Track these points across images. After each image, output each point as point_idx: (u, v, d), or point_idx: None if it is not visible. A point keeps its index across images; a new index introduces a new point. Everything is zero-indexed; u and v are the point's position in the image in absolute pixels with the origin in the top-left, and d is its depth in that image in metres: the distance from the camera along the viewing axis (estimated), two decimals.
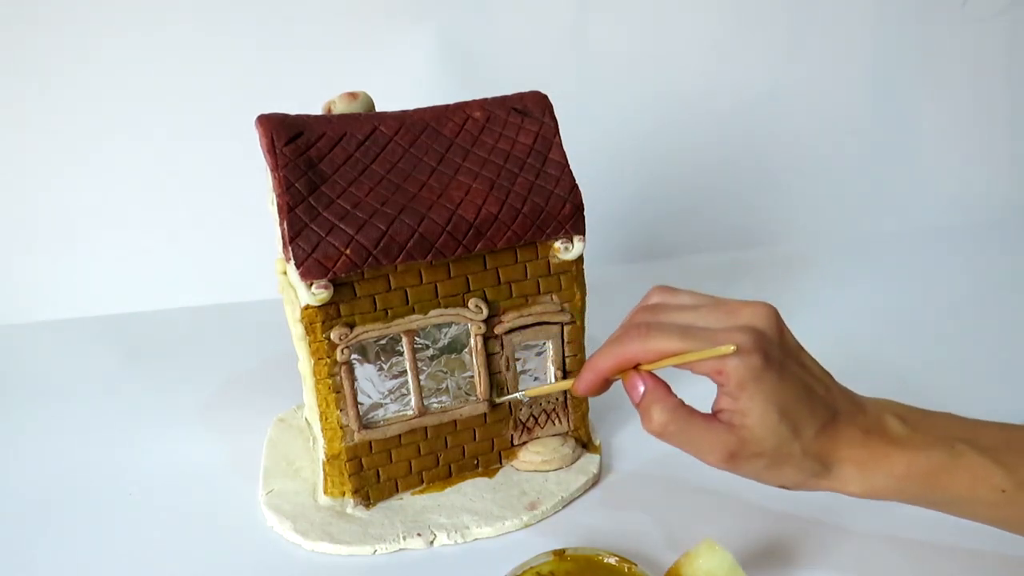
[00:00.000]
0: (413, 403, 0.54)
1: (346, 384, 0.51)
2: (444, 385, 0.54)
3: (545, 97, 0.56)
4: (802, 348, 0.44)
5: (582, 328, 0.57)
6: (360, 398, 0.52)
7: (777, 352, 0.42)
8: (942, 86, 0.99)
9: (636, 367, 0.44)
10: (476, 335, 0.53)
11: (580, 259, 0.55)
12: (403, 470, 0.55)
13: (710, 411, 0.44)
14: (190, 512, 0.56)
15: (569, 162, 0.54)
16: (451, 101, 0.56)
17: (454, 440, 0.56)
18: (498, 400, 0.55)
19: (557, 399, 0.58)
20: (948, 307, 0.82)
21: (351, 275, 0.49)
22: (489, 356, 0.54)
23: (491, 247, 0.51)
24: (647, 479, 0.57)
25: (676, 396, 0.44)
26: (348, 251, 0.48)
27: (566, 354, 0.56)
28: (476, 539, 0.52)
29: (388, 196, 0.50)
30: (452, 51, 0.88)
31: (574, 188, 0.53)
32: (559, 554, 0.46)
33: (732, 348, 0.41)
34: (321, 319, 0.49)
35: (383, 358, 0.52)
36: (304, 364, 0.56)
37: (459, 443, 0.56)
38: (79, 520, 0.56)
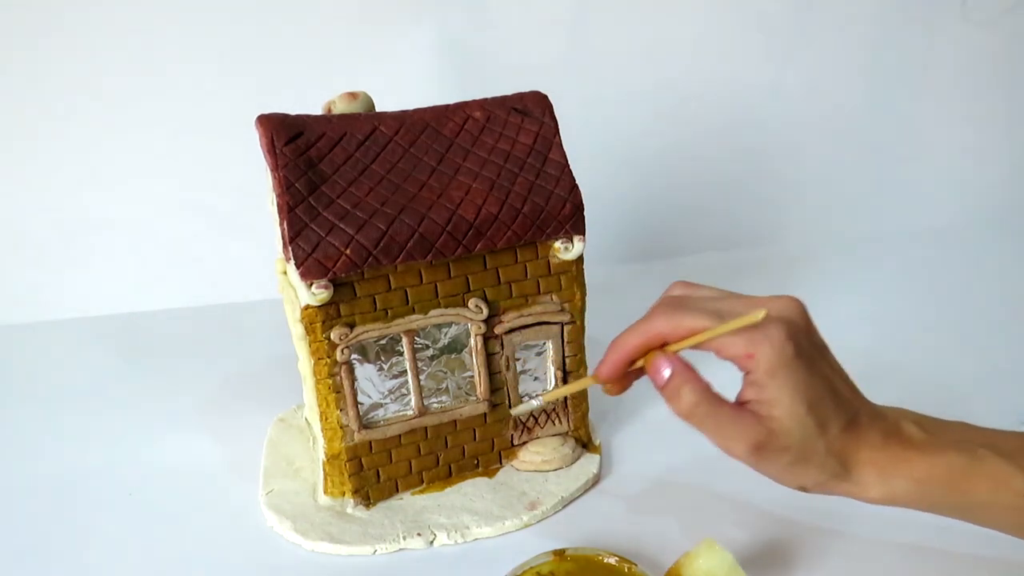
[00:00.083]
0: (413, 403, 0.54)
1: (346, 384, 0.51)
2: (444, 385, 0.54)
3: (545, 97, 0.56)
4: (827, 346, 0.43)
5: (582, 328, 0.57)
6: (360, 398, 0.52)
7: (807, 344, 0.41)
8: (942, 86, 0.99)
9: (662, 348, 0.43)
10: (476, 335, 0.53)
11: (580, 259, 0.54)
12: (403, 470, 0.55)
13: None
14: (190, 512, 0.56)
15: (569, 162, 0.54)
16: (451, 101, 0.56)
17: (454, 440, 0.56)
18: (514, 412, 0.55)
19: (557, 399, 0.58)
20: (948, 307, 0.82)
21: (351, 275, 0.49)
22: (489, 356, 0.54)
23: (491, 247, 0.51)
24: (647, 479, 0.57)
25: (705, 379, 0.42)
26: (348, 251, 0.48)
27: (566, 354, 0.56)
28: (476, 539, 0.52)
29: (388, 196, 0.50)
30: (452, 51, 0.88)
31: (574, 188, 0.53)
32: (559, 554, 0.46)
33: (763, 313, 0.39)
34: (321, 319, 0.49)
35: (383, 358, 0.52)
36: (304, 364, 0.56)
37: (459, 443, 0.56)
38: (79, 520, 0.56)
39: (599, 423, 0.63)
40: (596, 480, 0.57)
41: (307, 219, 0.48)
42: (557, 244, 0.53)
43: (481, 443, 0.57)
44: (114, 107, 0.84)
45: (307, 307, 0.49)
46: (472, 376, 0.55)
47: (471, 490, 0.56)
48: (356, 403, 0.52)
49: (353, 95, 0.55)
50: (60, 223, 0.87)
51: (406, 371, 0.53)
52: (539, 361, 0.57)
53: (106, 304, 0.88)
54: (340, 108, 0.54)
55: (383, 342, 0.52)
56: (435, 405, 0.54)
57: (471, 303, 0.52)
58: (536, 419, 0.58)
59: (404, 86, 0.85)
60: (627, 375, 0.45)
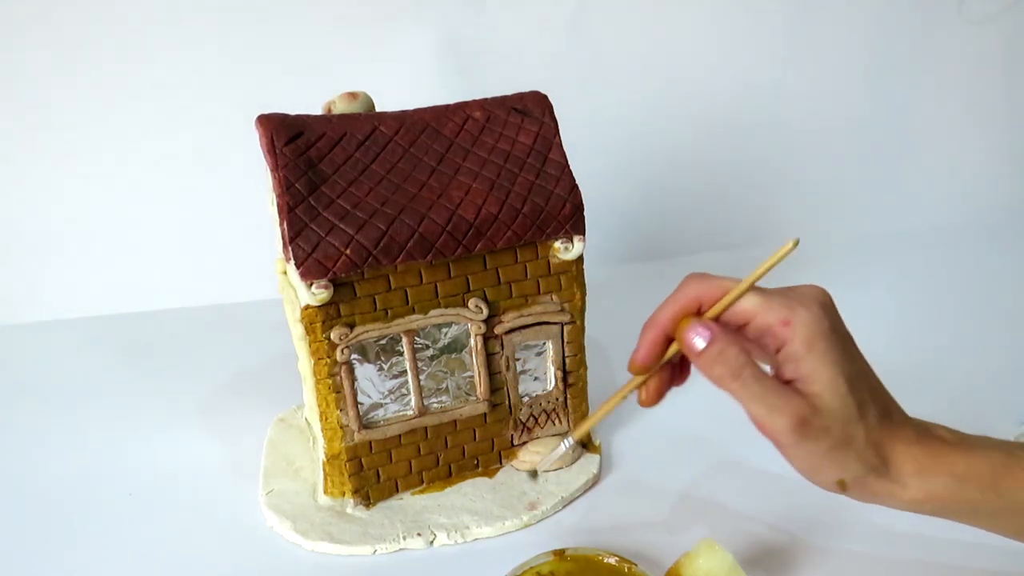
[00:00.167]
0: (413, 403, 0.54)
1: (346, 384, 0.51)
2: (444, 385, 0.54)
3: (545, 97, 0.56)
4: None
5: (582, 328, 0.57)
6: (360, 398, 0.52)
7: (839, 324, 0.39)
8: (942, 86, 0.99)
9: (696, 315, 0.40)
10: (476, 335, 0.53)
11: (580, 259, 0.54)
12: (403, 470, 0.55)
13: None
14: (190, 512, 0.56)
15: (569, 162, 0.54)
16: (451, 101, 0.56)
17: (454, 440, 0.56)
18: (542, 468, 0.50)
19: (557, 399, 0.58)
20: (948, 307, 0.82)
21: (351, 275, 0.49)
22: (489, 356, 0.54)
23: (491, 247, 0.51)
24: (647, 479, 0.57)
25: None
26: (348, 251, 0.48)
27: (566, 354, 0.56)
28: (476, 539, 0.52)
29: (388, 196, 0.50)
30: (452, 51, 0.88)
31: (574, 188, 0.53)
32: (559, 554, 0.46)
33: (795, 240, 0.38)
34: (321, 319, 0.49)
35: (383, 358, 0.52)
36: (304, 364, 0.56)
37: (459, 443, 0.56)
38: (79, 520, 0.56)
39: (599, 423, 0.62)
40: (596, 480, 0.57)
41: (307, 219, 0.48)
42: (557, 244, 0.53)
43: (481, 443, 0.57)
44: (114, 107, 0.84)
45: (307, 307, 0.49)
46: (472, 376, 0.55)
47: (471, 490, 0.56)
48: (356, 403, 0.52)
49: (353, 95, 0.55)
50: (60, 223, 0.87)
51: (406, 371, 0.53)
52: (539, 361, 0.57)
53: (106, 304, 0.88)
54: (340, 108, 0.54)
55: (383, 342, 0.52)
56: (435, 405, 0.54)
57: (471, 303, 0.52)
58: (536, 419, 0.58)
59: (404, 86, 0.85)
60: (663, 375, 0.42)
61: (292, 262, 0.48)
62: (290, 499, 0.55)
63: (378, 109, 0.55)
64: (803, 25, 0.94)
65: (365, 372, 0.52)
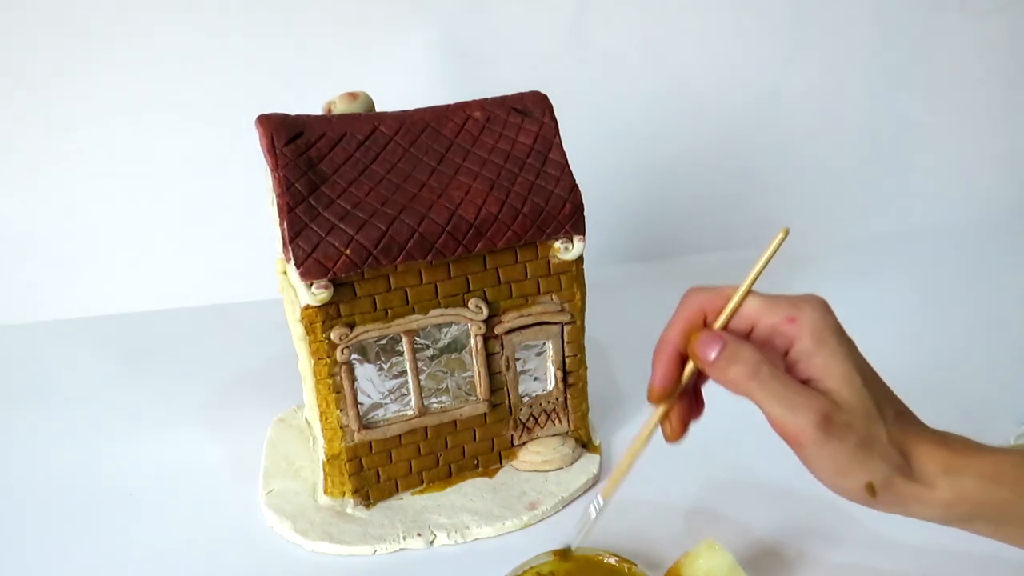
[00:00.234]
0: (413, 403, 0.54)
1: (346, 384, 0.51)
2: (444, 385, 0.54)
3: (545, 97, 0.56)
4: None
5: (582, 328, 0.57)
6: (360, 398, 0.52)
7: (843, 329, 0.39)
8: (942, 86, 0.99)
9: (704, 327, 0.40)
10: (476, 335, 0.53)
11: (580, 259, 0.54)
12: (403, 470, 0.55)
13: None
14: (190, 512, 0.56)
15: (569, 162, 0.54)
16: (451, 101, 0.56)
17: (454, 440, 0.56)
18: (576, 543, 0.46)
19: (557, 399, 0.58)
20: (949, 306, 0.82)
21: (351, 275, 0.49)
22: (489, 356, 0.54)
23: (491, 247, 0.51)
24: (647, 479, 0.57)
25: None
26: (348, 251, 0.48)
27: (566, 354, 0.56)
28: (476, 539, 0.52)
29: (388, 196, 0.50)
30: (452, 51, 0.88)
31: (574, 188, 0.53)
32: (559, 554, 0.46)
33: (787, 229, 0.38)
34: (321, 319, 0.49)
35: (383, 358, 0.52)
36: (304, 364, 0.56)
37: (459, 443, 0.56)
38: (79, 520, 0.56)
39: (599, 423, 0.63)
40: (596, 480, 0.57)
41: (307, 219, 0.48)
42: (557, 244, 0.53)
43: (481, 443, 0.57)
44: (114, 107, 0.84)
45: (307, 307, 0.49)
46: (472, 376, 0.54)
47: (471, 490, 0.56)
48: (356, 403, 0.52)
49: (353, 95, 0.55)
50: (60, 223, 0.87)
51: (406, 371, 0.53)
52: (539, 361, 0.57)
53: (106, 304, 0.88)
54: (340, 108, 0.54)
55: (383, 342, 0.52)
56: (435, 405, 0.54)
57: (471, 303, 0.52)
58: (536, 419, 0.58)
59: (404, 86, 0.85)
60: (682, 404, 0.41)
61: (292, 262, 0.48)
62: (290, 499, 0.55)
63: (378, 109, 0.55)
64: (803, 25, 0.94)
65: (365, 372, 0.52)
